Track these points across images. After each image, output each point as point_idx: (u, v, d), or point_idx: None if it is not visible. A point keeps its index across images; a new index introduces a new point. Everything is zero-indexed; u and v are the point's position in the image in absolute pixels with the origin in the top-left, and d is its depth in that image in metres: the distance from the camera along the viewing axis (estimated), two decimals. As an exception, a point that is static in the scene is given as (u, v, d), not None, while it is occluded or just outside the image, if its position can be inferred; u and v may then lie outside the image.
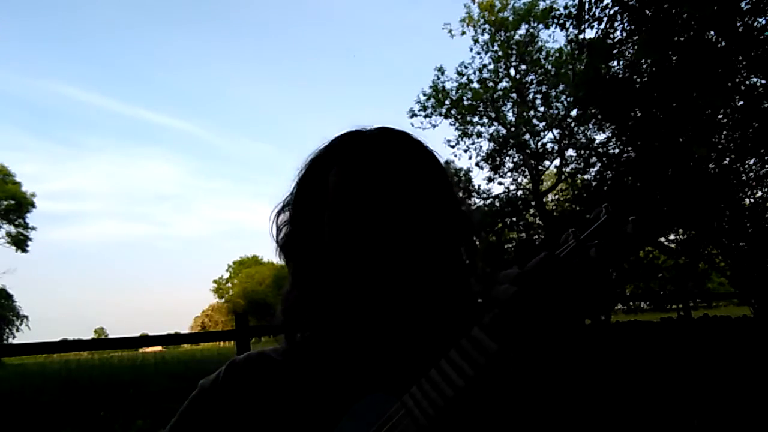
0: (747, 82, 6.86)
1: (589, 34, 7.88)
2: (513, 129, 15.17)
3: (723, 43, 6.40)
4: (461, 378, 0.43)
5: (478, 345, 0.44)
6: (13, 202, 26.93)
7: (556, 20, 9.10)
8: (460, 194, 0.64)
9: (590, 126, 11.99)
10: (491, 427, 0.48)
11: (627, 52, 7.68)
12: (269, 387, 0.58)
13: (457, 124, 15.71)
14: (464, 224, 0.60)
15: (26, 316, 31.54)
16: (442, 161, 0.64)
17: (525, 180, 15.68)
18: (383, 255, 0.53)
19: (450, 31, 15.36)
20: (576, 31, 8.18)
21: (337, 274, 0.54)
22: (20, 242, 27.77)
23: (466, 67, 15.48)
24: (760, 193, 7.99)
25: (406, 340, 0.54)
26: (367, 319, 0.55)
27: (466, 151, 15.72)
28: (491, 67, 15.41)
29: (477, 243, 0.62)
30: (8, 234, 27.61)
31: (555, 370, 0.48)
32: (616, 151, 9.89)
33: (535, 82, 15.17)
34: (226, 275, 53.46)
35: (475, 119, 15.72)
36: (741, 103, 6.96)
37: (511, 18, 14.74)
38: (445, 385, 0.44)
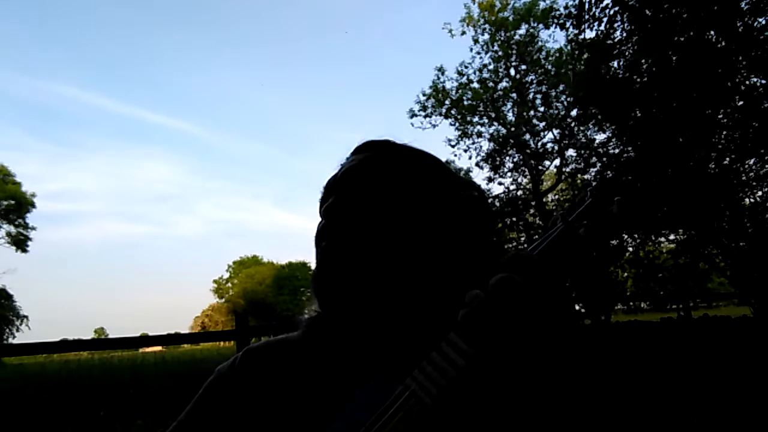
0: (747, 82, 6.87)
1: (589, 34, 7.89)
2: (513, 129, 15.16)
3: (723, 43, 6.40)
4: (462, 357, 0.45)
5: (476, 326, 0.46)
6: (13, 202, 26.91)
7: (556, 20, 9.10)
8: (465, 185, 0.65)
9: (590, 126, 12.00)
10: (492, 408, 0.49)
11: (627, 52, 7.68)
12: (284, 372, 0.59)
13: (457, 124, 15.73)
14: (463, 216, 0.61)
15: (26, 316, 31.42)
16: (431, 156, 0.66)
17: (525, 180, 15.69)
18: (388, 262, 0.56)
19: (450, 31, 15.38)
20: (576, 31, 8.18)
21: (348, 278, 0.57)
22: (20, 242, 27.75)
23: (466, 67, 15.50)
24: (760, 193, 7.99)
25: (418, 330, 0.55)
26: (380, 312, 0.56)
27: (466, 151, 15.75)
28: (491, 67, 15.43)
29: (483, 233, 0.63)
30: (8, 234, 27.60)
31: (557, 367, 0.48)
32: (616, 151, 9.90)
33: (535, 82, 15.16)
34: (226, 275, 53.46)
35: (475, 119, 15.73)
36: (741, 103, 6.96)
37: (511, 18, 14.74)
38: (447, 365, 0.45)
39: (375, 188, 0.59)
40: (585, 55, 8.66)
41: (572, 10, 8.07)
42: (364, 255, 0.56)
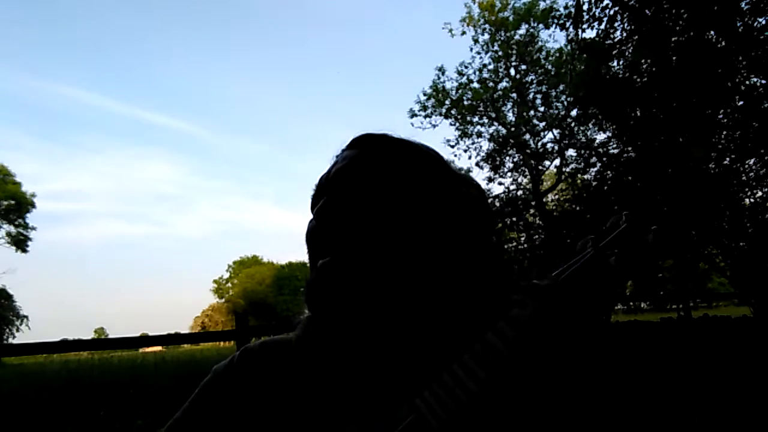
0: (747, 82, 6.87)
1: (590, 34, 7.90)
2: (513, 129, 15.17)
3: (723, 43, 6.40)
4: (474, 383, 0.43)
5: (492, 350, 0.44)
6: (13, 202, 26.93)
7: (556, 20, 9.11)
8: (465, 182, 0.62)
9: (590, 126, 12.01)
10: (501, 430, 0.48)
11: (627, 52, 7.68)
12: (281, 372, 0.58)
13: (457, 124, 15.73)
14: (462, 215, 0.58)
15: (26, 316, 31.41)
16: (432, 154, 0.63)
17: (525, 180, 15.69)
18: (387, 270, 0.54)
19: (450, 30, 15.37)
20: (575, 31, 8.18)
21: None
22: (20, 242, 27.77)
23: (466, 67, 15.50)
24: (760, 193, 7.99)
25: (417, 333, 0.54)
26: (378, 318, 0.55)
27: (466, 151, 15.76)
28: (491, 67, 15.42)
29: (488, 232, 0.60)
30: (8, 234, 27.62)
31: (561, 372, 0.48)
32: (616, 151, 9.91)
33: (535, 82, 15.16)
34: (226, 275, 53.50)
35: (475, 119, 15.73)
36: (741, 103, 6.96)
37: (511, 18, 14.74)
38: (458, 390, 0.44)
39: (368, 189, 0.57)
40: (584, 55, 8.67)
41: (572, 10, 8.07)
42: (360, 261, 0.54)
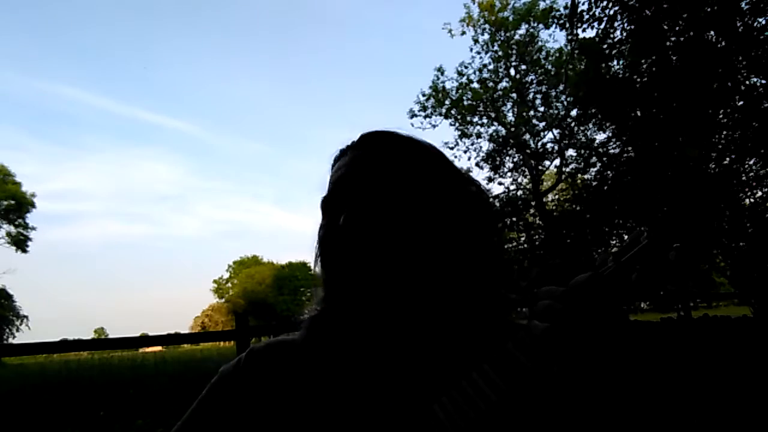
0: (747, 82, 6.87)
1: (590, 33, 7.90)
2: (513, 129, 15.17)
3: (723, 43, 6.40)
4: (494, 393, 0.44)
5: (513, 361, 0.45)
6: (13, 202, 26.96)
7: (556, 20, 9.11)
8: (468, 180, 0.63)
9: (590, 126, 12.01)
10: None
11: (626, 52, 7.69)
12: (289, 373, 0.58)
13: (457, 125, 15.73)
14: (471, 213, 0.59)
15: (26, 316, 31.49)
16: (438, 152, 0.64)
17: (525, 180, 15.69)
18: (390, 267, 0.54)
19: (450, 30, 15.37)
20: (574, 31, 8.19)
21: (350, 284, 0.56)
22: (20, 242, 27.79)
23: (466, 67, 15.49)
24: (760, 193, 7.98)
25: (424, 341, 0.55)
26: (393, 313, 0.55)
27: (465, 151, 15.74)
28: (491, 67, 15.42)
29: (494, 232, 0.61)
30: (8, 234, 27.66)
31: (576, 383, 0.48)
32: (616, 151, 9.91)
33: (535, 82, 15.16)
34: (226, 275, 53.47)
35: (475, 119, 15.73)
36: (741, 103, 6.96)
37: (511, 18, 14.74)
38: (478, 400, 0.44)
39: (379, 191, 0.57)
40: (582, 56, 8.68)
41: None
42: (382, 259, 0.54)
